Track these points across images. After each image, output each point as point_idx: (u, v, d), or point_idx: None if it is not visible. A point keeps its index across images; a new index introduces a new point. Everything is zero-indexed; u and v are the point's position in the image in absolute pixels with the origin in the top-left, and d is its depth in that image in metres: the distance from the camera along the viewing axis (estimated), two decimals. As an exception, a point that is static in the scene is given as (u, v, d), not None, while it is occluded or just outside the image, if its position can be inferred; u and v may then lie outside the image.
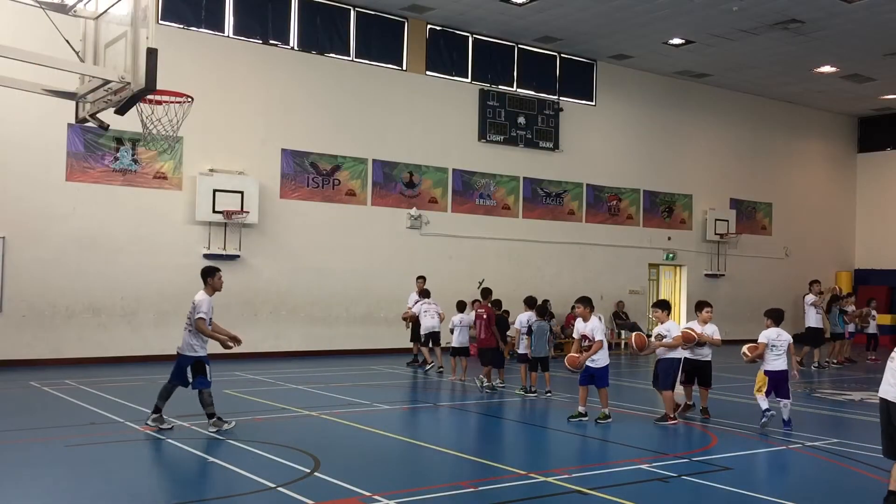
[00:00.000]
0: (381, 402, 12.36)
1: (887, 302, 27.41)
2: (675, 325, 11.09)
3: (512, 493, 7.15)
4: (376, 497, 6.80)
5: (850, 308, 20.42)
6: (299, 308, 19.26)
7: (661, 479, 7.67)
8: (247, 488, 7.10)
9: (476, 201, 22.01)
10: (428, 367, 16.18)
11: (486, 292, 14.77)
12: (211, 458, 8.18)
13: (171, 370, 9.70)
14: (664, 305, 11.28)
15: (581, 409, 10.76)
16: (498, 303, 14.79)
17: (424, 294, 16.95)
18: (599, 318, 10.97)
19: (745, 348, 10.75)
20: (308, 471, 7.70)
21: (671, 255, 25.72)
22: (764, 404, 10.33)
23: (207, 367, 9.55)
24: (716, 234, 26.25)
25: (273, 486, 7.14)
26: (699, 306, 11.55)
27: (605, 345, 10.82)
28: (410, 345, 17.70)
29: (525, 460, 8.50)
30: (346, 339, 19.82)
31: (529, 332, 13.58)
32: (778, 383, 10.42)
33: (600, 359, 10.73)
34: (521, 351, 13.76)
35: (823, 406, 12.95)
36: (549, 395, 13.20)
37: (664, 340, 10.79)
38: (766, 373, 10.46)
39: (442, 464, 8.53)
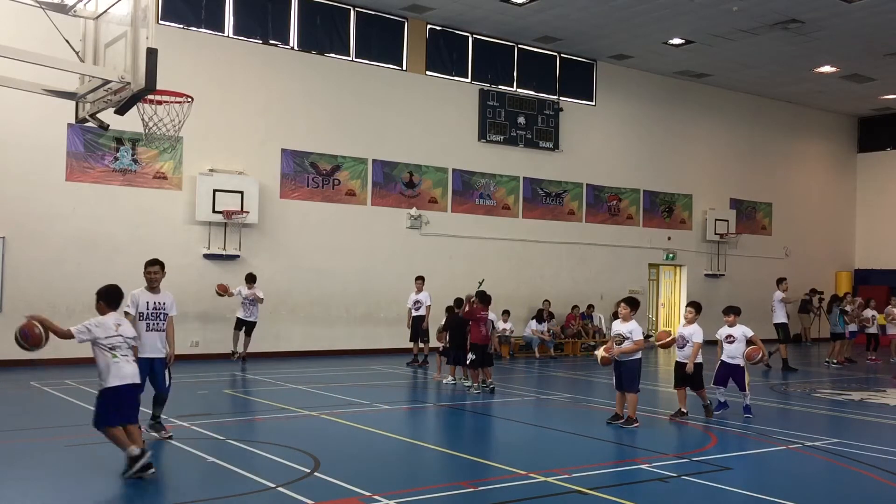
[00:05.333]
0: (381, 402, 12.36)
1: (887, 302, 27.34)
2: (638, 326, 10.59)
3: (512, 493, 7.15)
4: (376, 497, 6.80)
5: (850, 308, 20.43)
6: (299, 308, 19.26)
7: (661, 479, 7.66)
8: (247, 488, 7.09)
9: (476, 201, 22.01)
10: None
11: (484, 295, 14.36)
12: (211, 458, 8.18)
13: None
14: (633, 304, 10.69)
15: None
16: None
17: None
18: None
19: (762, 355, 11.40)
20: (308, 471, 7.70)
21: (671, 255, 25.73)
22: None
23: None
24: (716, 234, 26.26)
25: (273, 486, 7.14)
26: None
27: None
28: (410, 345, 17.72)
29: (525, 460, 8.48)
30: (346, 339, 19.82)
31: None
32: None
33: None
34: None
35: (823, 406, 12.95)
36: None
37: (624, 345, 10.40)
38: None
39: (442, 464, 8.53)
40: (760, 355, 11.24)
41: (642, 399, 12.49)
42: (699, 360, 11.02)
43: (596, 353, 10.94)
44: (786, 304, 18.59)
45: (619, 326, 10.67)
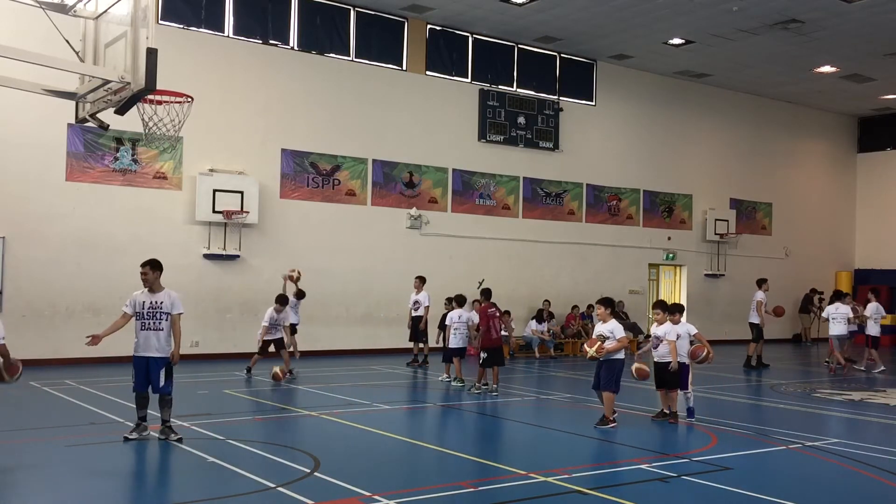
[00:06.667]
0: (381, 402, 12.36)
1: (887, 302, 27.36)
2: (618, 325, 10.59)
3: (512, 493, 7.15)
4: (376, 497, 6.80)
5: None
6: (299, 308, 19.22)
7: (661, 479, 7.67)
8: (247, 488, 7.10)
9: (476, 201, 22.01)
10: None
11: (488, 293, 14.48)
12: (211, 458, 8.18)
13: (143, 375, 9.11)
14: (608, 303, 10.73)
15: None
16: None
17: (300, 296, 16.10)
18: None
19: (707, 352, 11.04)
20: (308, 471, 7.71)
21: (671, 255, 25.72)
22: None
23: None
24: (716, 234, 26.26)
25: (273, 486, 7.14)
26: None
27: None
28: (410, 345, 17.73)
29: (525, 460, 8.49)
30: (346, 338, 19.81)
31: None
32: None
33: None
34: (452, 346, 14.45)
35: (823, 406, 12.95)
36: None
37: (607, 343, 10.34)
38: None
39: (442, 464, 8.53)
40: (705, 353, 11.08)
41: (643, 398, 12.50)
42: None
43: (586, 347, 10.74)
44: (761, 306, 18.53)
45: (600, 327, 10.63)
